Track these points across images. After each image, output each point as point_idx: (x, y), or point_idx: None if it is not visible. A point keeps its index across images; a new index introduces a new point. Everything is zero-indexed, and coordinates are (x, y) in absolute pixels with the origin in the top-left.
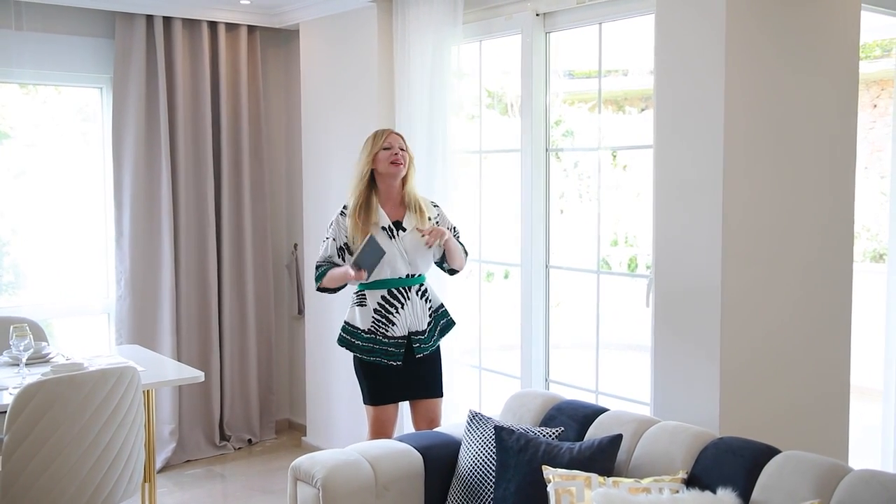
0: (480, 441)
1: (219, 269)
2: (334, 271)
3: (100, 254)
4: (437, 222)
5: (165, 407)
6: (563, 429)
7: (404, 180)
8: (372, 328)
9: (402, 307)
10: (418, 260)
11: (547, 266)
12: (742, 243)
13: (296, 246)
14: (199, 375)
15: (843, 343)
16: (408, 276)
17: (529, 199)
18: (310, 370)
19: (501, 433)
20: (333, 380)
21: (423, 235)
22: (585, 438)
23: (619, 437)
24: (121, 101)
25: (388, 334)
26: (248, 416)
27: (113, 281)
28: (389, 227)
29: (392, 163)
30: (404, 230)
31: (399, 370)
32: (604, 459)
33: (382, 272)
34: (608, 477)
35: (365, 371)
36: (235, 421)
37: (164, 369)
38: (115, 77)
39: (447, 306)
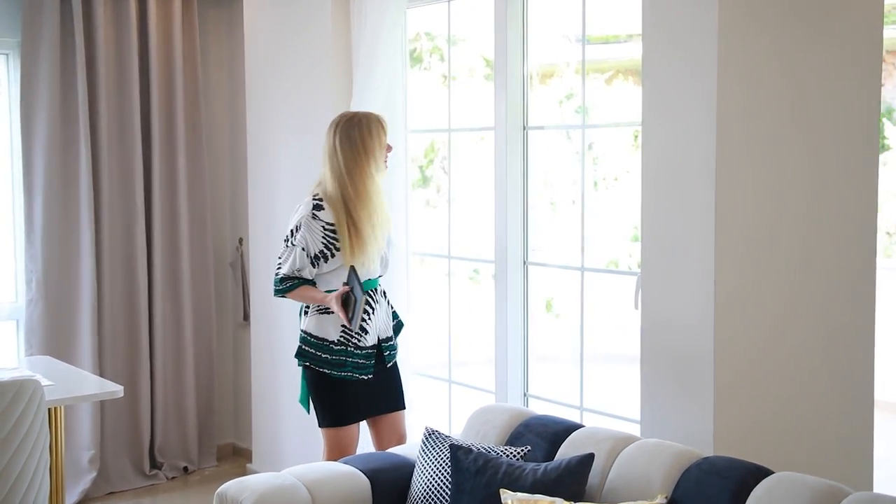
0: (436, 462)
1: (149, 269)
2: (307, 292)
3: (6, 249)
4: None
5: (84, 430)
6: (529, 448)
7: None
8: (343, 338)
9: (374, 312)
10: (389, 257)
11: (525, 263)
12: (740, 237)
13: (241, 241)
14: (116, 391)
15: (866, 352)
16: (379, 276)
17: (504, 184)
18: (256, 386)
19: (458, 453)
20: (283, 397)
21: None
22: (555, 459)
23: (590, 457)
24: (30, 70)
25: (360, 344)
26: (185, 440)
27: (22, 282)
28: None
29: (385, 165)
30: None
31: (368, 384)
32: (572, 482)
33: (367, 275)
34: (576, 502)
35: (329, 388)
36: (169, 446)
37: (77, 384)
38: (23, 42)
39: (414, 310)
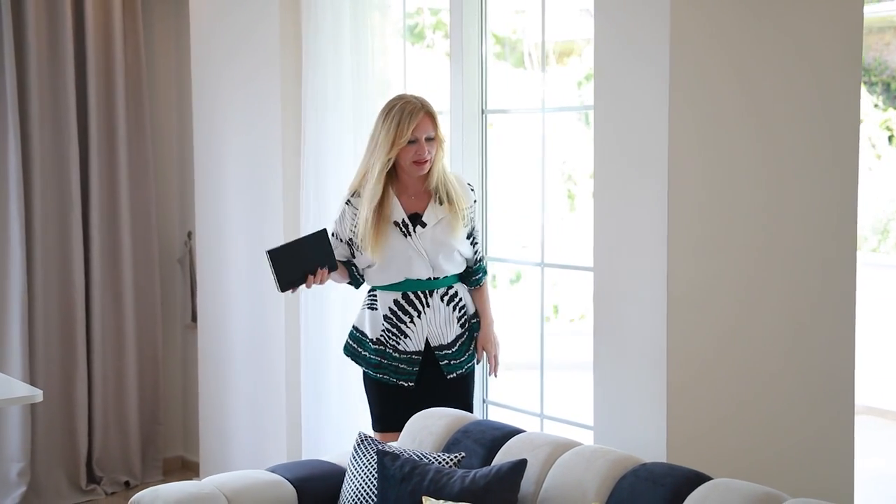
0: (365, 470)
1: (86, 265)
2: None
3: None
4: (472, 216)
5: (13, 440)
6: (463, 454)
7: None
8: (381, 338)
9: (419, 316)
10: (441, 261)
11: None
12: (696, 231)
13: (190, 235)
14: (34, 395)
15: (845, 353)
16: (428, 278)
17: (460, 173)
18: (203, 394)
19: (384, 459)
20: (233, 405)
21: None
22: (492, 465)
23: (522, 464)
24: None
25: (400, 348)
26: (126, 452)
27: None
28: (404, 221)
29: (415, 162)
30: (424, 225)
31: (415, 392)
32: (502, 490)
33: (390, 275)
34: None
35: (369, 388)
36: (108, 459)
37: None
38: None
39: None
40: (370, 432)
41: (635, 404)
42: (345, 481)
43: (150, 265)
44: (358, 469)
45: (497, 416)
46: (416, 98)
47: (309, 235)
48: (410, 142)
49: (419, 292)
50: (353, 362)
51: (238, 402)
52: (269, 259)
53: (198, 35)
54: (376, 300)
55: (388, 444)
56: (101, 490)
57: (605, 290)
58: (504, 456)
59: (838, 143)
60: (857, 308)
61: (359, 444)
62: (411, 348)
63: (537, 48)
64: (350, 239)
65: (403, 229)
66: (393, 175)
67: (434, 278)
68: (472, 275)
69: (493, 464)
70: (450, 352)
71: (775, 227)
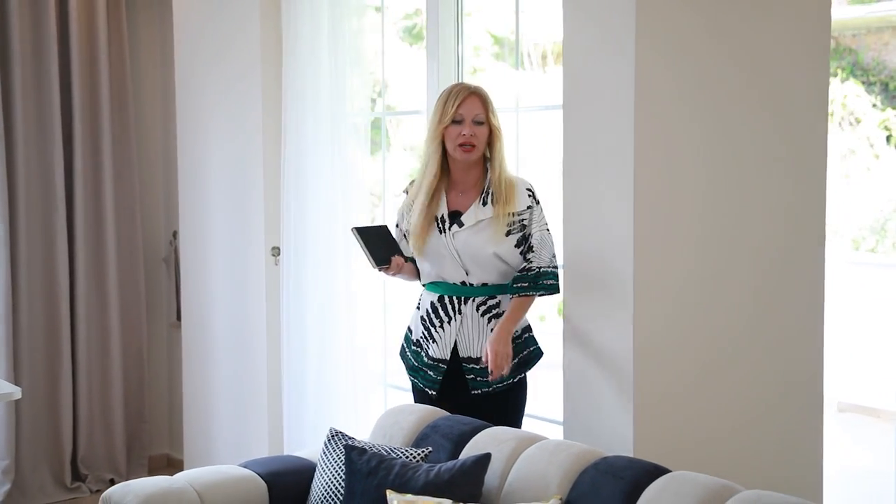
0: (335, 465)
1: (71, 265)
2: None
3: None
4: (524, 223)
5: None
6: (430, 449)
7: (487, 156)
8: (419, 340)
9: (449, 322)
10: (474, 266)
11: None
12: (662, 229)
13: (175, 234)
14: (12, 392)
15: (814, 349)
16: (463, 283)
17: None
18: (187, 392)
19: (352, 454)
20: (216, 403)
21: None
22: (457, 460)
23: (486, 458)
24: None
25: (430, 353)
26: (111, 449)
27: None
28: (442, 217)
29: (461, 145)
30: (461, 225)
31: (437, 403)
32: (466, 483)
33: (426, 273)
34: (467, 503)
35: (413, 391)
36: (94, 456)
37: None
38: None
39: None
40: (342, 428)
41: (604, 400)
42: (315, 476)
43: (135, 264)
44: (328, 464)
45: None
46: (469, 84)
47: (377, 226)
48: (455, 122)
49: (454, 297)
50: (402, 362)
51: (221, 399)
52: (358, 236)
53: (181, 39)
54: (421, 299)
55: (357, 439)
56: (85, 488)
57: (574, 287)
58: (470, 450)
59: (806, 141)
60: (825, 304)
61: (329, 440)
62: (437, 355)
63: (536, 48)
64: (407, 229)
65: (440, 226)
66: (446, 168)
67: (469, 284)
68: (518, 281)
69: (460, 458)
70: (478, 367)
71: (742, 224)
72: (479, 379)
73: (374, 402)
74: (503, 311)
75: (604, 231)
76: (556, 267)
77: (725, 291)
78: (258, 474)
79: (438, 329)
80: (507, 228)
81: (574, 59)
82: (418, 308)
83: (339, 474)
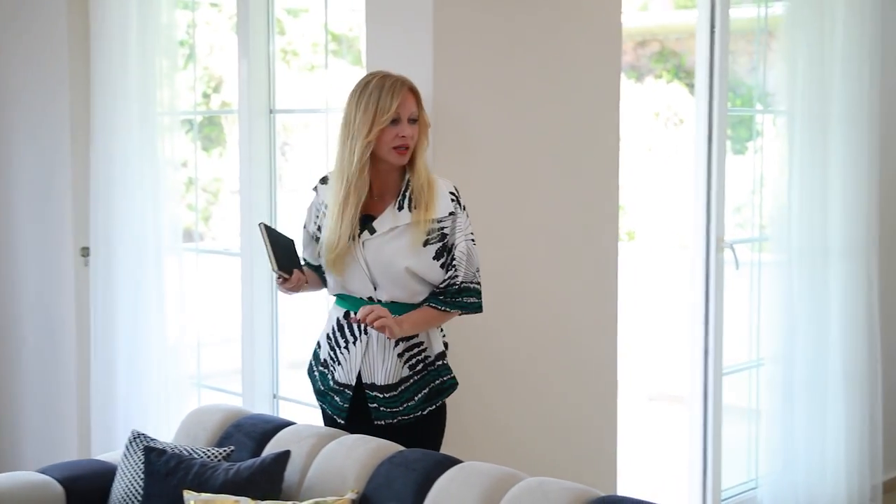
0: (135, 467)
1: None
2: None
3: None
4: (444, 231)
5: None
6: (233, 448)
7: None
8: (326, 360)
9: (354, 343)
10: (387, 281)
11: None
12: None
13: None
14: None
15: (609, 340)
16: (370, 299)
17: (248, 172)
18: None
19: (151, 455)
20: (23, 408)
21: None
22: (257, 457)
23: (285, 455)
24: None
25: (335, 376)
26: None
27: None
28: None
29: (396, 148)
30: (372, 231)
31: (348, 431)
32: (265, 481)
33: (330, 283)
34: (266, 501)
35: (322, 415)
36: None
37: None
38: None
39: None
40: (153, 429)
41: None
42: (115, 479)
43: None
44: (128, 467)
45: (287, 411)
46: (399, 75)
47: (286, 236)
48: (394, 122)
49: (355, 314)
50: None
51: (28, 403)
52: (265, 234)
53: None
54: (329, 313)
55: (160, 440)
56: None
57: None
58: (273, 448)
59: (600, 141)
60: (618, 297)
61: (131, 442)
62: (343, 380)
63: None
64: (314, 233)
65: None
66: (373, 168)
67: (377, 300)
68: (439, 295)
69: (260, 456)
70: (382, 396)
71: (540, 221)
72: (382, 409)
73: (186, 402)
74: (418, 335)
75: None
76: (479, 283)
77: (522, 286)
78: (56, 479)
79: (343, 350)
80: (426, 237)
81: (376, 63)
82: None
83: (138, 477)
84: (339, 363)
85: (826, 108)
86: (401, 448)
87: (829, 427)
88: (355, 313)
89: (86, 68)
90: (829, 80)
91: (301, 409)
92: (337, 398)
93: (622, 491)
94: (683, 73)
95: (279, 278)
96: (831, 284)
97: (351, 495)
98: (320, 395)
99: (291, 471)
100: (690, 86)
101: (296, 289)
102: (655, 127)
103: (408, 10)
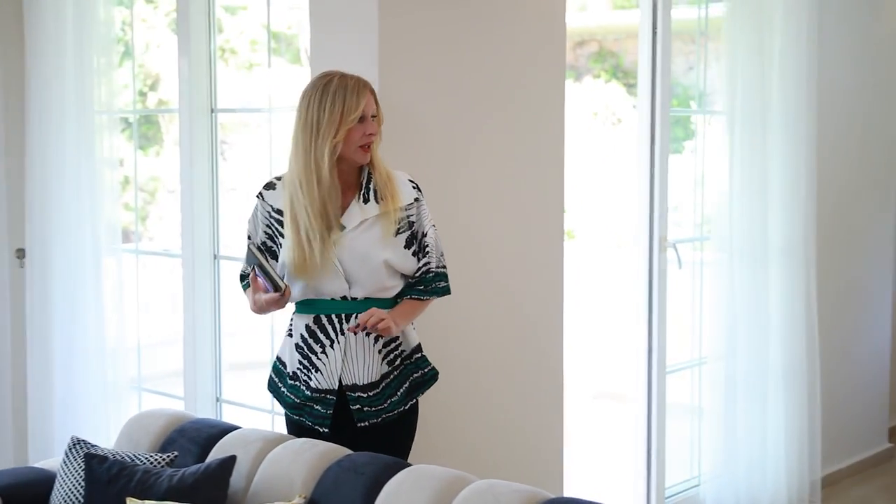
0: (75, 474)
1: None
2: (255, 296)
3: None
4: (411, 219)
5: None
6: (177, 454)
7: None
8: (296, 372)
9: (332, 346)
10: (363, 277)
11: (215, 256)
12: None
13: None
14: None
15: (555, 341)
16: (344, 298)
17: (189, 172)
18: None
19: (92, 462)
20: None
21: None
22: (202, 463)
23: (231, 460)
24: None
25: (311, 384)
26: None
27: None
28: None
29: (362, 147)
30: (342, 228)
31: (330, 440)
32: (210, 487)
33: (296, 291)
34: None
35: (292, 432)
36: None
37: None
38: None
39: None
40: (92, 435)
41: None
42: (54, 487)
43: None
44: (68, 474)
45: (231, 414)
46: (354, 75)
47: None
48: (360, 120)
49: (333, 316)
50: (276, 400)
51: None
52: (261, 256)
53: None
54: (292, 324)
55: (101, 446)
56: None
57: None
58: (217, 453)
59: (545, 142)
60: (564, 298)
61: (70, 449)
62: (324, 385)
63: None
64: (264, 242)
65: None
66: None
67: (352, 298)
68: (416, 286)
69: (205, 462)
70: (365, 395)
71: (485, 220)
72: (366, 409)
73: (126, 407)
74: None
75: None
76: (445, 266)
77: (467, 285)
78: None
79: (320, 355)
80: (396, 227)
81: (321, 61)
82: (290, 335)
83: (78, 484)
84: (317, 369)
85: (765, 108)
86: (349, 452)
87: (770, 424)
88: (356, 323)
89: (20, 65)
90: (768, 80)
91: (245, 413)
92: (318, 406)
93: (568, 489)
94: (621, 73)
95: (277, 294)
96: (771, 283)
97: (298, 500)
98: (296, 408)
99: (237, 476)
100: (628, 86)
101: (287, 300)
102: (593, 126)
103: (352, 8)
